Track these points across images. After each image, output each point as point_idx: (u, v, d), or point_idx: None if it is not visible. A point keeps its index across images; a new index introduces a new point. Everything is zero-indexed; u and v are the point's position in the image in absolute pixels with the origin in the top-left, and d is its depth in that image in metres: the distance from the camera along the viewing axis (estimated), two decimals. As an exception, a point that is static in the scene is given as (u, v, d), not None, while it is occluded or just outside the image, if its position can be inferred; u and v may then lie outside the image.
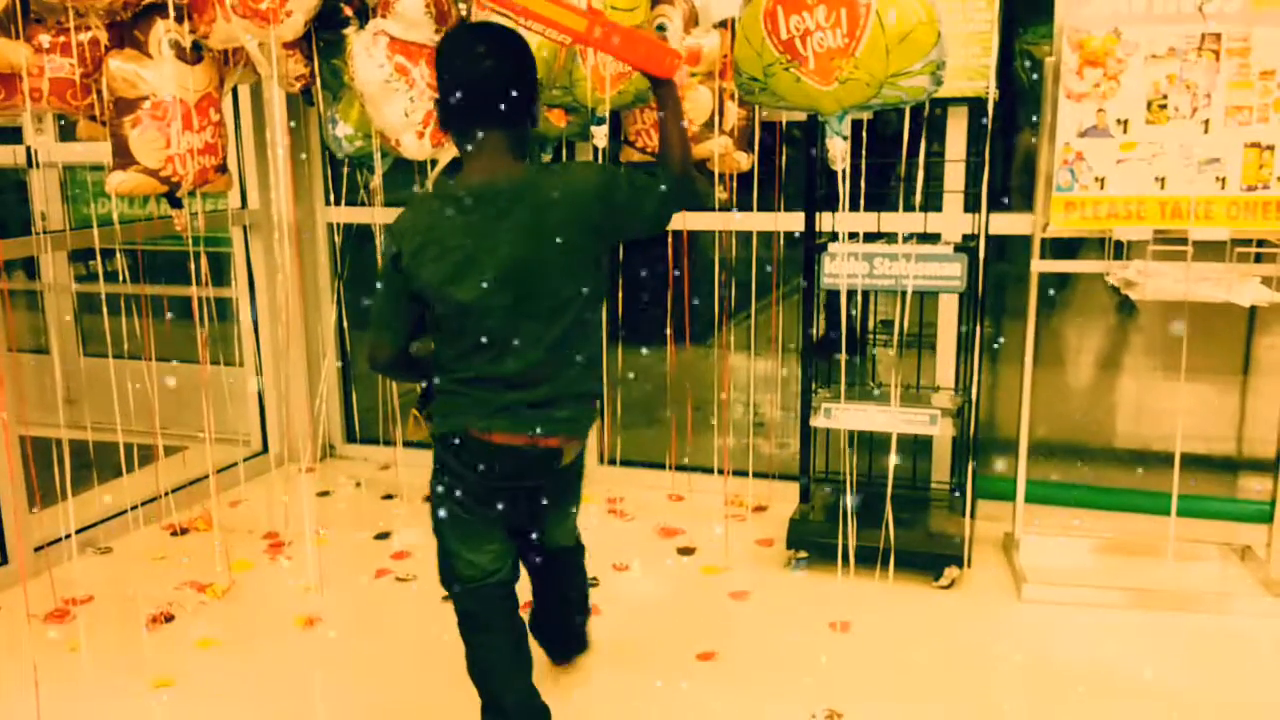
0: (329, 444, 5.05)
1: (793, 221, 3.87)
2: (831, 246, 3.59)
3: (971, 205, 3.75)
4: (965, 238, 3.67)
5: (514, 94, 2.33)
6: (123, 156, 3.04)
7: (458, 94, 2.33)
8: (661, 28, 3.23)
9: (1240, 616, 3.35)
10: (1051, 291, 4.08)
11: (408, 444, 4.19)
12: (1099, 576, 3.58)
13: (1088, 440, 4.26)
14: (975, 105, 3.60)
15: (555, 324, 2.37)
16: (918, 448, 3.99)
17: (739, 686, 3.00)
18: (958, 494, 3.84)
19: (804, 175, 3.67)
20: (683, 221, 4.03)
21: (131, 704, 2.94)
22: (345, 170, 3.60)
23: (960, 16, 3.45)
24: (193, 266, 3.65)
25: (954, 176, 3.83)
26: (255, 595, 3.62)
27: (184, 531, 4.10)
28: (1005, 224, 3.74)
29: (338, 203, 4.63)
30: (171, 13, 2.96)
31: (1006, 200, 3.89)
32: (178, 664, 3.14)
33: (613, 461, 4.59)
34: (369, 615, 3.46)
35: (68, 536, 3.63)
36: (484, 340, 2.34)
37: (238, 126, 4.54)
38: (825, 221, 3.70)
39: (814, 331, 3.75)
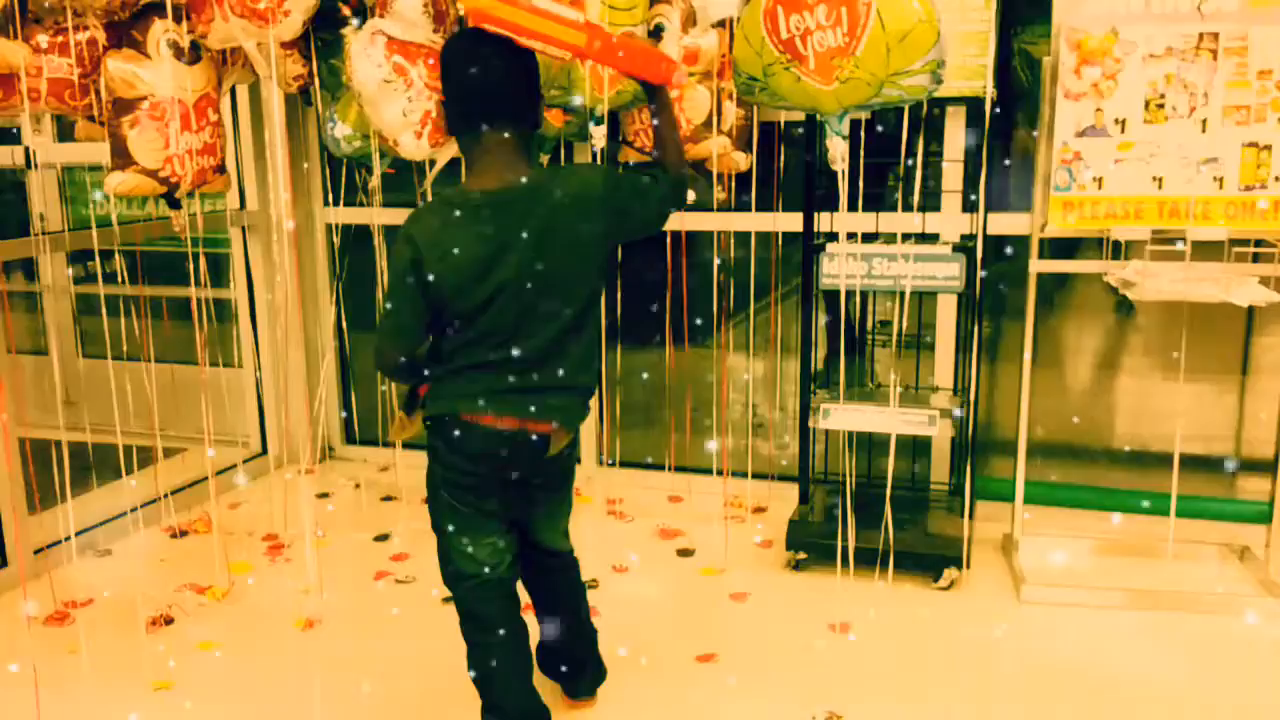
0: (328, 445, 5.05)
1: (791, 222, 3.87)
2: (830, 246, 3.59)
3: (970, 205, 3.75)
4: (964, 238, 3.67)
5: (522, 96, 2.40)
6: (121, 157, 3.04)
7: (467, 97, 2.37)
8: (660, 28, 3.23)
9: (1239, 617, 3.35)
10: (1050, 291, 4.08)
11: (406, 445, 4.18)
12: (1098, 577, 3.58)
13: (1087, 441, 4.26)
14: (973, 105, 3.60)
15: (559, 320, 2.41)
16: (917, 448, 3.99)
17: (739, 688, 3.00)
18: (956, 495, 3.84)
19: (802, 175, 3.67)
20: (681, 222, 4.03)
21: (131, 706, 2.93)
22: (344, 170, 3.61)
23: (958, 16, 3.45)
24: (191, 267, 3.65)
25: (952, 177, 3.83)
26: (255, 597, 3.61)
27: (183, 534, 4.10)
28: (1004, 224, 3.74)
29: (336, 203, 4.63)
30: (170, 13, 2.96)
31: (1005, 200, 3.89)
32: (177, 666, 3.14)
33: (612, 462, 4.59)
34: (368, 617, 3.46)
35: (67, 539, 3.63)
36: (489, 334, 2.37)
37: (236, 126, 4.53)
38: (824, 222, 3.70)
39: (814, 333, 3.75)
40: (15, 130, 4.73)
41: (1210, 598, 3.43)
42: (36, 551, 3.71)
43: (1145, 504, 3.86)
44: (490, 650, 2.61)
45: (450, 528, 2.57)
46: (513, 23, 2.34)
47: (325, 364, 4.73)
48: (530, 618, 2.74)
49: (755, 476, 4.30)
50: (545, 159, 3.79)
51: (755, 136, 3.79)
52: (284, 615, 3.44)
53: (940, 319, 3.99)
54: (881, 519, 3.38)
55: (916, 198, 3.70)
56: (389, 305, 2.41)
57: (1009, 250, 3.79)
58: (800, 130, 3.91)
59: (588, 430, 4.56)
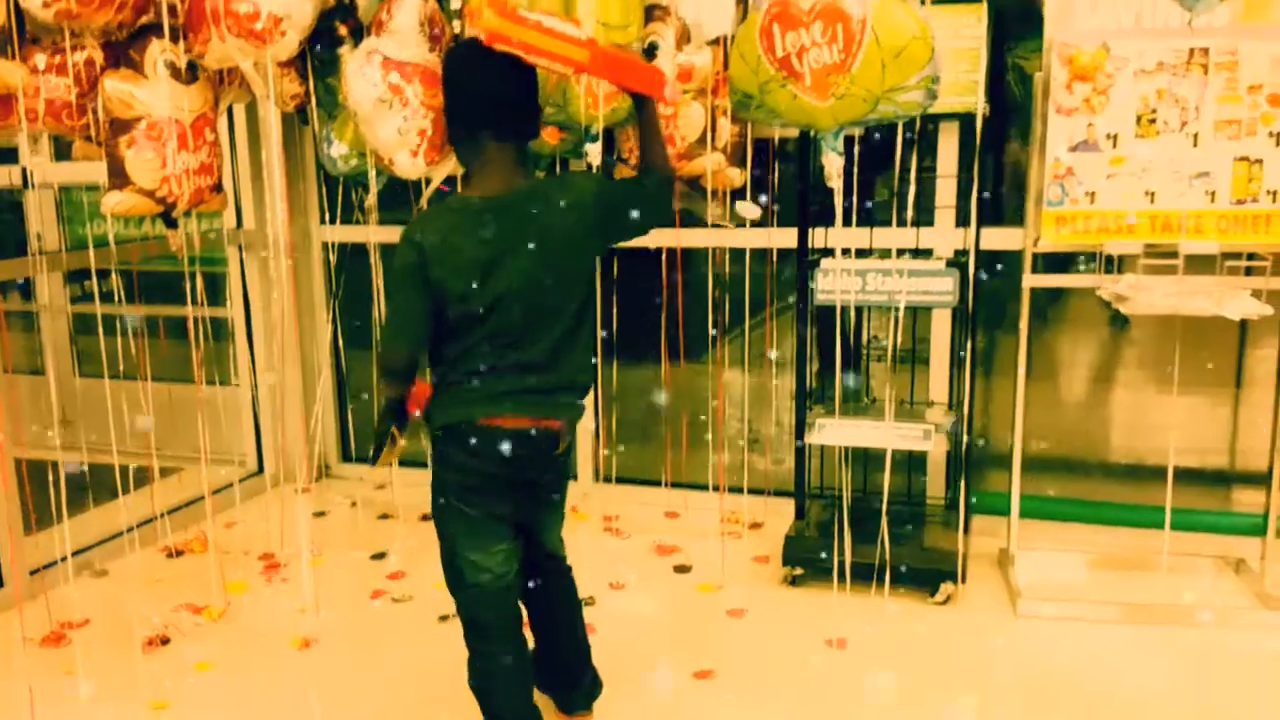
0: (324, 464, 5.05)
1: (786, 238, 3.88)
2: (824, 262, 3.60)
3: (963, 220, 3.76)
4: (957, 253, 3.68)
5: (525, 106, 2.49)
6: (119, 177, 3.05)
7: (474, 106, 2.44)
8: (654, 46, 3.25)
9: (1235, 629, 3.35)
10: (1045, 306, 4.10)
11: (403, 463, 4.17)
12: (1094, 591, 3.59)
13: (1082, 454, 4.27)
14: (966, 121, 3.62)
15: (561, 321, 2.48)
16: (912, 463, 4.00)
17: (736, 704, 3.00)
18: (952, 510, 3.84)
19: (797, 191, 3.69)
20: (676, 238, 4.05)
21: (127, 725, 2.93)
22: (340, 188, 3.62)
23: (951, 33, 3.47)
24: (188, 286, 3.65)
25: (946, 192, 3.84)
26: (251, 617, 3.61)
27: (180, 553, 4.09)
28: (997, 239, 3.76)
29: (333, 221, 4.64)
30: (166, 33, 2.97)
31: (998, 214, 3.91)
32: (174, 687, 3.13)
33: (608, 479, 4.59)
34: (365, 636, 3.45)
35: (64, 559, 3.62)
36: (497, 336, 2.43)
37: (233, 145, 4.55)
38: (818, 237, 3.72)
39: (809, 348, 3.76)
40: (13, 150, 4.74)
41: (1206, 611, 3.43)
42: (33, 572, 3.70)
43: (1140, 517, 3.86)
44: (492, 660, 2.62)
45: (460, 536, 2.58)
46: (525, 42, 2.40)
47: (322, 382, 4.73)
48: (527, 633, 2.74)
49: (752, 492, 4.30)
50: (541, 175, 3.79)
51: (750, 153, 3.80)
52: (280, 635, 3.43)
53: (935, 334, 4.01)
54: (878, 534, 3.38)
55: (910, 213, 3.71)
56: (393, 304, 2.45)
57: (1002, 265, 3.81)
58: (793, 146, 3.94)
59: (584, 447, 4.56)
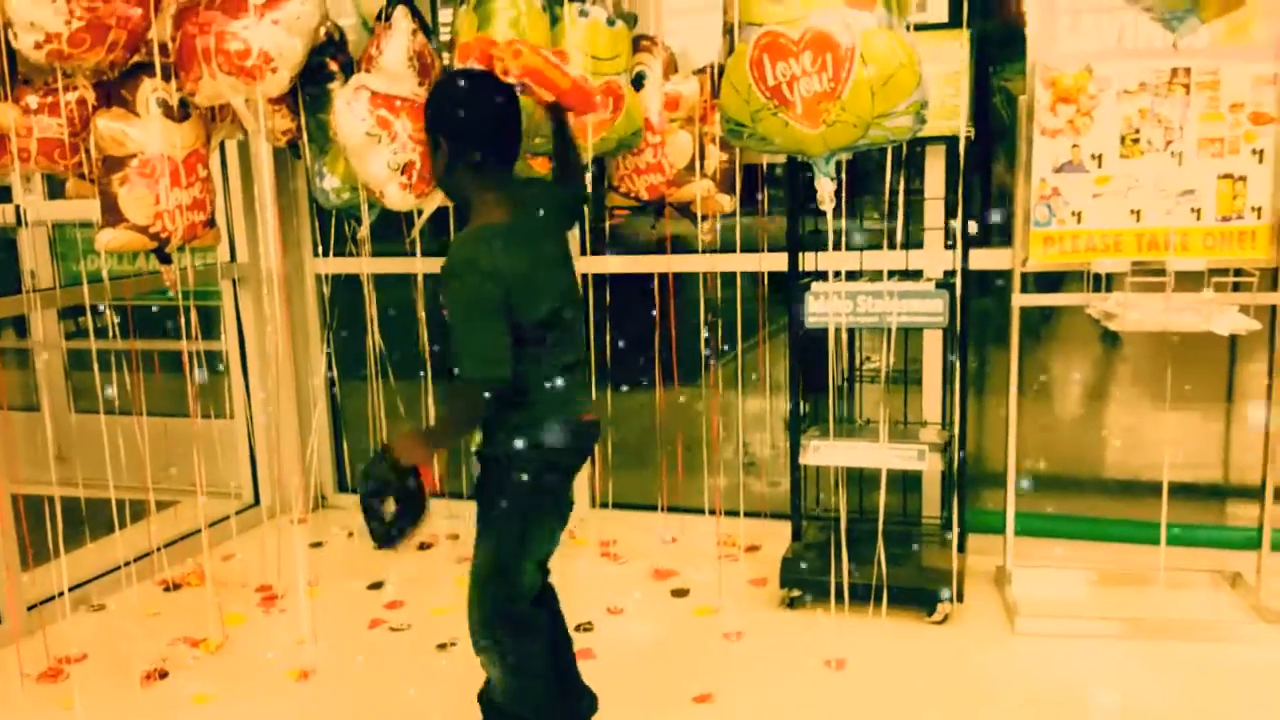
0: (320, 494, 5.05)
1: (776, 262, 3.90)
2: (815, 285, 3.63)
3: (952, 242, 3.79)
4: (947, 274, 3.71)
5: (520, 132, 2.62)
6: (112, 214, 3.07)
7: (484, 134, 2.53)
8: (641, 76, 3.28)
9: (1233, 643, 3.36)
10: (1037, 324, 4.12)
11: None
12: (1091, 607, 3.59)
13: (1077, 471, 4.28)
14: (954, 144, 3.65)
15: (580, 316, 2.74)
16: (908, 483, 4.01)
17: (735, 727, 3.00)
18: (948, 529, 3.85)
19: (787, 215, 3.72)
20: (668, 264, 4.08)
21: (126, 761, 2.92)
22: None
23: (937, 59, 3.50)
24: (182, 321, 3.67)
25: (934, 214, 3.87)
26: (249, 649, 3.60)
27: (177, 587, 4.09)
28: (986, 259, 3.78)
29: (326, 254, 4.66)
30: (158, 71, 3.00)
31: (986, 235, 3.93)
32: (172, 720, 3.13)
33: (605, 504, 4.60)
34: (363, 666, 3.45)
35: (61, 594, 3.62)
36: (559, 344, 2.60)
37: (226, 180, 4.57)
38: (808, 261, 3.74)
39: (799, 370, 3.78)
40: (6, 188, 4.75)
41: (1203, 625, 3.44)
42: (30, 607, 3.69)
43: (1136, 533, 3.87)
44: (538, 658, 2.68)
45: (534, 540, 2.67)
46: (549, 77, 2.60)
47: (317, 413, 4.74)
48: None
49: (748, 515, 4.30)
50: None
51: (739, 179, 3.83)
52: (279, 666, 3.43)
53: (927, 354, 4.02)
54: (874, 554, 3.39)
55: (900, 235, 3.74)
56: (477, 340, 2.45)
57: (994, 284, 3.83)
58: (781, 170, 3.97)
59: (580, 474, 4.55)
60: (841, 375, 3.99)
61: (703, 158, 3.53)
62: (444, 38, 3.61)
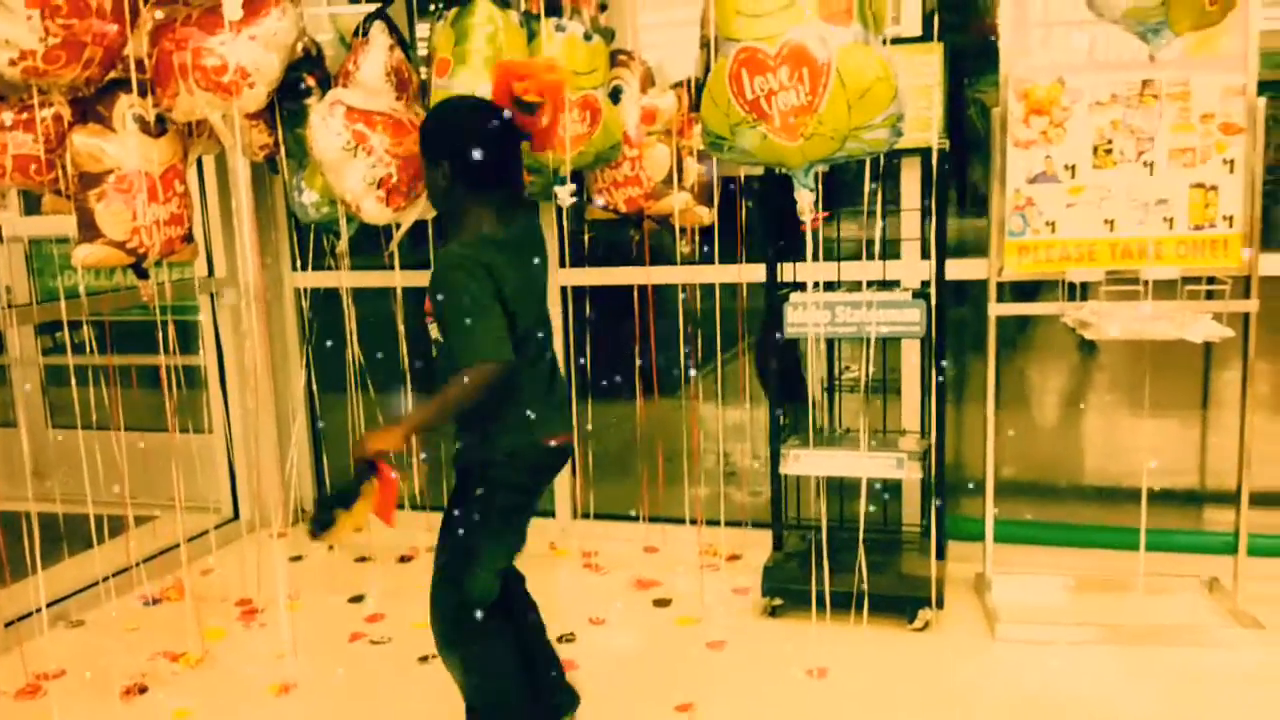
0: (300, 508, 5.03)
1: (755, 273, 3.92)
2: (794, 296, 3.64)
3: (928, 252, 3.81)
4: (924, 284, 3.73)
5: (516, 150, 2.70)
6: (89, 230, 3.06)
7: (482, 155, 2.59)
8: (618, 89, 3.30)
9: (1211, 648, 3.39)
10: (1014, 333, 4.15)
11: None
12: (1071, 613, 3.62)
13: (1055, 478, 4.31)
14: (928, 155, 3.68)
15: (550, 342, 2.78)
16: (888, 491, 4.03)
17: (717, 737, 3.01)
18: (928, 537, 3.87)
19: (765, 227, 3.73)
20: (648, 276, 4.09)
21: (105, 779, 2.91)
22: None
23: (911, 72, 3.53)
24: (160, 335, 3.65)
25: (910, 225, 3.90)
26: (229, 663, 3.59)
27: (156, 601, 4.07)
28: (962, 269, 3.80)
29: (304, 268, 4.66)
30: (135, 87, 3.00)
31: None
32: (152, 737, 3.11)
33: (586, 515, 4.60)
34: (343, 680, 3.44)
35: (39, 610, 3.60)
36: (537, 361, 2.68)
37: (203, 195, 4.56)
38: (786, 271, 3.76)
39: (772, 380, 3.80)
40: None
41: (1182, 630, 3.47)
42: (8, 624, 3.67)
43: (1115, 539, 3.89)
44: (504, 658, 2.71)
45: (498, 553, 2.72)
46: (558, 106, 2.67)
47: (296, 427, 4.73)
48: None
49: (729, 524, 4.32)
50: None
51: (717, 191, 3.85)
52: (259, 680, 3.41)
53: (905, 363, 4.04)
54: (855, 562, 3.41)
55: (878, 246, 3.76)
56: (480, 322, 2.49)
57: (970, 293, 3.86)
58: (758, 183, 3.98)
59: (562, 484, 4.57)
60: (821, 385, 4.02)
61: (680, 171, 3.55)
62: (421, 52, 3.61)
